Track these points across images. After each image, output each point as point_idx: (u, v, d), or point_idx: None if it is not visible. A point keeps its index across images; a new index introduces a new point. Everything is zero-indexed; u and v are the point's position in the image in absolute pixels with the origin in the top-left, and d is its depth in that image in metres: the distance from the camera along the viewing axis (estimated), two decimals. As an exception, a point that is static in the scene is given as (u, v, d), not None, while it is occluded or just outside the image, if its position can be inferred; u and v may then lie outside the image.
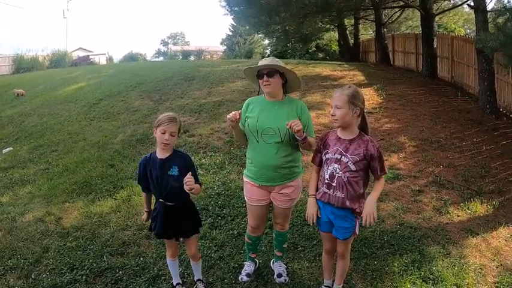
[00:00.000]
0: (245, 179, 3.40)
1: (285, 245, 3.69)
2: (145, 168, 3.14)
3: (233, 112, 3.10)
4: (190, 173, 2.93)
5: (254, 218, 3.43)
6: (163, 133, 3.00)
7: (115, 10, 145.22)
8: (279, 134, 3.11)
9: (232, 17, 20.12)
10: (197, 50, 38.46)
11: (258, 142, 3.18)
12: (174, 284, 3.48)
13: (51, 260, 4.01)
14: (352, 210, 2.93)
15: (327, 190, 2.95)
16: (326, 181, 2.94)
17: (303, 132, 2.98)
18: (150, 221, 3.35)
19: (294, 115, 3.14)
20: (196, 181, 3.10)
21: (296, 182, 3.29)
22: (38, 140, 8.37)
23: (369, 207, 2.80)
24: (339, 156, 2.88)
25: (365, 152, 2.83)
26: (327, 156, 2.94)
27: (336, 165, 2.88)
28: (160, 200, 3.13)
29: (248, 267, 3.68)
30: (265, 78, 3.13)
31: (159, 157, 3.09)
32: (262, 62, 3.19)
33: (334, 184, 2.90)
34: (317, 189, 3.07)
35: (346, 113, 2.82)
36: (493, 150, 6.93)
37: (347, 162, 2.85)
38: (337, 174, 2.88)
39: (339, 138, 2.93)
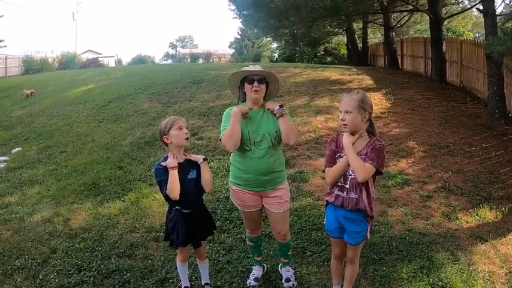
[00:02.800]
0: (233, 187, 3.37)
1: (290, 252, 3.68)
2: (163, 175, 3.04)
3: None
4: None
5: (250, 222, 3.50)
6: (181, 129, 3.04)
7: (124, 13, 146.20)
8: (270, 138, 3.17)
9: (241, 20, 20.16)
10: (205, 53, 38.64)
11: (251, 149, 3.18)
12: (183, 287, 3.48)
13: (58, 260, 4.03)
14: (365, 212, 2.93)
15: (340, 193, 2.95)
16: (339, 184, 2.94)
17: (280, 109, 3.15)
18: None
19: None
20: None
21: (285, 184, 3.36)
22: (46, 140, 8.44)
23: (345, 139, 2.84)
24: None
25: (370, 149, 2.84)
26: (340, 159, 2.93)
27: (349, 167, 2.88)
28: (177, 207, 3.12)
29: (256, 271, 3.67)
30: (255, 84, 3.15)
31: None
32: (250, 68, 3.23)
33: (347, 186, 2.90)
34: (330, 192, 3.05)
35: (356, 117, 2.83)
36: (502, 156, 6.87)
37: None
38: (350, 176, 2.89)
39: None
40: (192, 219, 3.16)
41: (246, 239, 3.68)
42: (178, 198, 2.95)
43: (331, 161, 3.00)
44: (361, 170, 2.78)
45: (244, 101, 3.33)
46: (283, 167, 3.34)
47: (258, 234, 3.60)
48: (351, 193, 2.89)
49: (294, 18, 13.88)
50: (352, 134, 2.90)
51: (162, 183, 3.01)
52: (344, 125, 2.86)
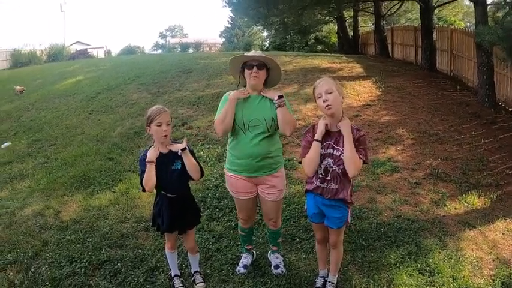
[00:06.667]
0: (228, 173, 3.40)
1: (280, 240, 3.71)
2: (144, 166, 3.06)
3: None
4: None
5: (243, 211, 3.49)
6: (160, 125, 3.01)
7: (113, 3, 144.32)
8: (265, 124, 3.16)
9: (230, 9, 20.07)
10: (195, 43, 38.44)
11: (245, 134, 3.21)
12: (173, 276, 3.49)
13: (50, 253, 4.02)
14: (344, 200, 2.95)
15: (320, 184, 2.96)
16: (320, 175, 2.94)
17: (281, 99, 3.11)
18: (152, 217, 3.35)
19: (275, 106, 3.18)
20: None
21: (281, 172, 3.35)
22: (36, 134, 8.37)
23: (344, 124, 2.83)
24: (331, 151, 2.89)
25: (356, 139, 2.82)
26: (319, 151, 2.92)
27: (330, 160, 2.89)
28: (163, 192, 3.15)
29: (245, 258, 3.70)
30: (255, 69, 3.15)
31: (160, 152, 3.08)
32: (251, 54, 3.23)
33: (328, 178, 2.91)
34: (310, 182, 3.06)
35: (337, 96, 2.80)
36: (491, 144, 6.93)
37: (340, 155, 2.85)
38: (331, 168, 2.89)
39: (328, 131, 2.89)
40: (177, 204, 3.18)
41: (238, 229, 3.69)
42: (152, 191, 2.94)
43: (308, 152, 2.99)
44: (356, 167, 2.80)
45: (245, 86, 3.32)
46: (279, 153, 3.34)
47: (250, 225, 3.60)
48: (331, 184, 2.91)
49: (284, 6, 13.79)
50: (333, 117, 2.85)
51: (142, 175, 3.05)
52: (328, 105, 2.79)
